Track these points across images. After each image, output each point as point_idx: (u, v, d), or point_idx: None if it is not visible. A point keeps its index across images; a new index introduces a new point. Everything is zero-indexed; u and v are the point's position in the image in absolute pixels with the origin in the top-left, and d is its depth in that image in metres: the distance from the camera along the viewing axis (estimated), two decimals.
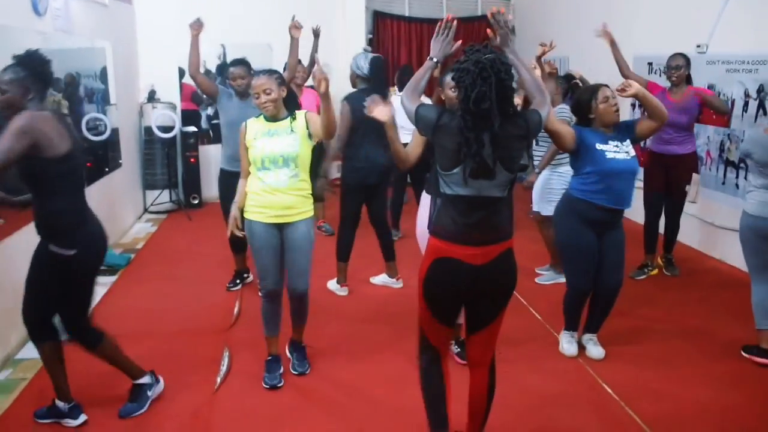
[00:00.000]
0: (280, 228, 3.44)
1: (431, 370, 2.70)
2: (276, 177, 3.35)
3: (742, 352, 3.81)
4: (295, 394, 3.50)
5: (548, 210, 4.75)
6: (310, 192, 3.50)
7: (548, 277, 5.11)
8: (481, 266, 2.47)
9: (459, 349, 3.78)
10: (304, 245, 3.47)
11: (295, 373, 3.68)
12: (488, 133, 2.36)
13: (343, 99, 4.58)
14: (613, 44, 5.11)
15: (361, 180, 4.64)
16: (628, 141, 3.62)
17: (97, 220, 3.12)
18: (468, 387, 2.76)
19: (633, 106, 6.79)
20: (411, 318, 3.09)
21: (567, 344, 3.90)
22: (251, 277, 5.05)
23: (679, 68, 4.85)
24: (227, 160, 4.65)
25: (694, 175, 4.96)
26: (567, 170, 4.31)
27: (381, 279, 5.07)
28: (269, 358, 3.67)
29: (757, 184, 3.67)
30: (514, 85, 2.44)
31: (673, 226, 5.18)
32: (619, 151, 3.55)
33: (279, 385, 3.55)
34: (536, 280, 5.10)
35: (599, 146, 3.53)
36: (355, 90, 4.67)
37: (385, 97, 4.13)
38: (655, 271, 5.24)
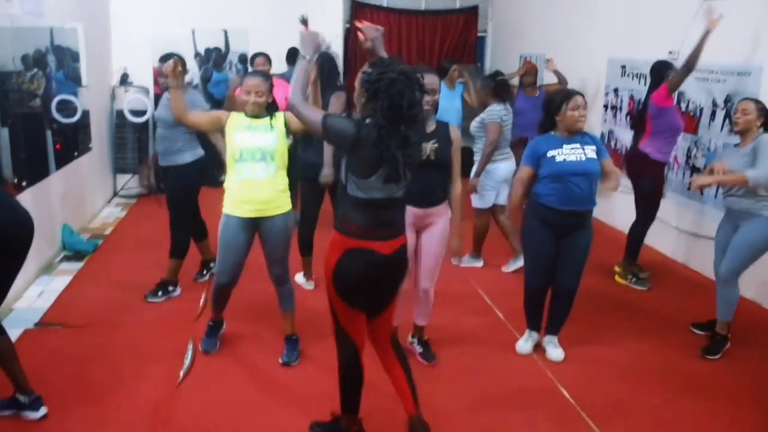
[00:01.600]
0: (258, 223, 3.55)
1: (351, 365, 2.85)
2: (252, 169, 3.47)
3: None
4: (259, 386, 3.54)
5: (476, 202, 5.36)
6: (287, 187, 3.59)
7: (466, 261, 5.50)
8: (389, 255, 2.69)
9: (422, 350, 3.85)
10: (281, 238, 3.61)
11: (282, 362, 3.75)
12: (400, 140, 2.53)
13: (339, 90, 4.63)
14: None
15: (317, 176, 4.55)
16: (594, 147, 3.68)
17: (14, 205, 3.06)
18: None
19: (614, 109, 6.85)
20: None
21: (523, 342, 3.98)
22: None
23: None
24: None
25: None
26: (494, 167, 5.20)
27: None
28: (210, 323, 3.91)
29: None
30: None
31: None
32: (573, 153, 3.61)
33: (212, 350, 3.84)
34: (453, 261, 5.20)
35: (550, 153, 3.61)
36: None
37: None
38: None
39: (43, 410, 3.15)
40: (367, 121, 2.58)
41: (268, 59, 5.82)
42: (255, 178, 3.46)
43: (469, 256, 5.53)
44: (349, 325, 2.79)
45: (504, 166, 5.30)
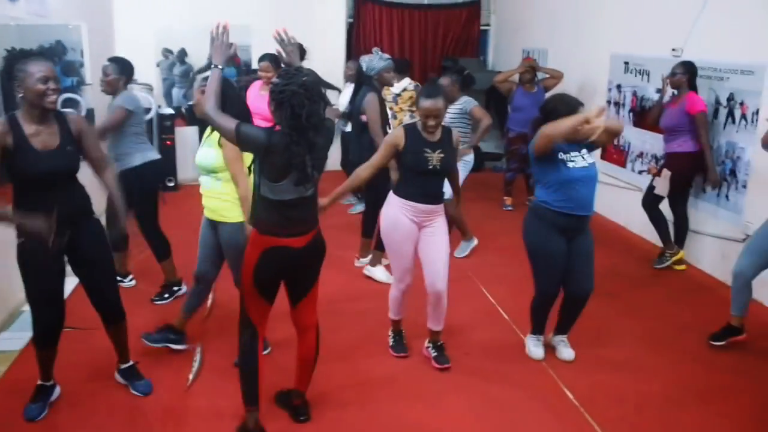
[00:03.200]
0: (214, 225, 3.65)
1: (250, 346, 3.03)
2: (203, 181, 3.61)
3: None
4: (270, 388, 3.56)
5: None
6: (236, 198, 3.50)
7: (464, 249, 5.68)
8: (302, 248, 2.92)
9: (436, 353, 3.89)
10: (227, 246, 3.62)
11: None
12: (307, 146, 2.75)
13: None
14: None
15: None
16: (586, 150, 3.71)
17: None
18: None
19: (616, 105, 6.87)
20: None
21: (534, 347, 4.00)
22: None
23: (674, 75, 5.24)
24: None
25: (665, 170, 5.27)
26: (470, 158, 5.78)
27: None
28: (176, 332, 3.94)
29: None
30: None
31: (676, 221, 5.46)
32: (578, 159, 3.64)
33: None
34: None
35: (561, 155, 3.62)
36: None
37: None
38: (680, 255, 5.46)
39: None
40: (277, 128, 2.78)
41: (274, 63, 5.47)
42: (203, 188, 3.61)
43: (464, 243, 5.72)
44: (254, 312, 3.02)
45: (468, 158, 5.75)
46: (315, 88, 2.76)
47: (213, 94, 2.87)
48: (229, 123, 2.79)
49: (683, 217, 5.42)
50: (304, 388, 3.30)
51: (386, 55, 5.10)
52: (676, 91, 5.34)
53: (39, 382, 3.35)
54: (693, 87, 5.20)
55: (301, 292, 3.11)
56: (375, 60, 4.98)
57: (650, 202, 5.45)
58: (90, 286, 3.34)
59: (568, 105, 3.66)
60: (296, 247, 2.90)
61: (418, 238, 3.72)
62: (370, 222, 5.15)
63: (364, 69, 5.00)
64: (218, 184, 3.53)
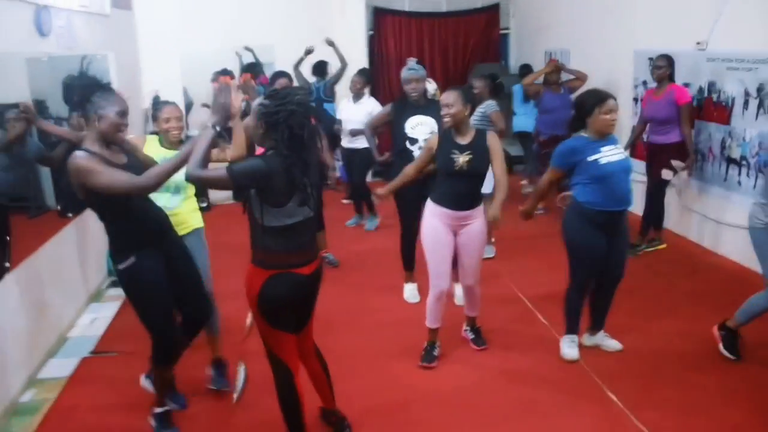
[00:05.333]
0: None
1: (287, 387, 2.97)
2: (172, 202, 3.60)
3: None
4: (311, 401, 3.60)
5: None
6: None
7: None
8: (310, 275, 2.88)
9: (473, 336, 4.14)
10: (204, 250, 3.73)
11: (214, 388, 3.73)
12: (303, 166, 2.70)
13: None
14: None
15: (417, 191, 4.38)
16: (612, 145, 3.71)
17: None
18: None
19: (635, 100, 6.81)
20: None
21: (568, 348, 3.98)
22: None
23: (660, 68, 5.53)
24: None
25: (675, 162, 5.47)
26: None
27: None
28: None
29: None
30: None
31: (651, 209, 5.71)
32: (613, 153, 3.65)
33: None
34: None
35: (591, 157, 3.62)
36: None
37: None
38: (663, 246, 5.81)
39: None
40: (269, 152, 2.71)
41: (290, 80, 5.56)
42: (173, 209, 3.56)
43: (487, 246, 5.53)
44: (277, 347, 2.92)
45: None
46: (308, 105, 2.75)
47: (201, 156, 2.66)
48: (219, 172, 2.66)
49: (662, 204, 5.73)
50: (331, 404, 3.30)
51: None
52: (655, 84, 5.66)
53: (158, 410, 3.35)
54: (672, 79, 5.53)
55: (304, 321, 3.06)
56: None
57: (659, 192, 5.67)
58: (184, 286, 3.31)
59: (597, 96, 3.68)
60: (305, 274, 2.86)
61: (455, 241, 3.83)
62: (407, 254, 5.02)
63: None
64: (178, 199, 3.59)
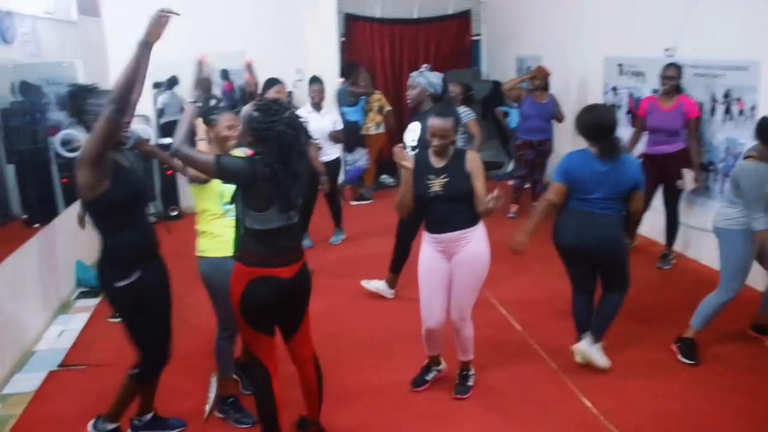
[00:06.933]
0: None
1: (265, 387, 2.98)
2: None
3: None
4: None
5: None
6: (203, 230, 3.46)
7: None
8: (291, 278, 2.88)
9: (457, 380, 3.78)
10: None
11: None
12: (292, 175, 2.73)
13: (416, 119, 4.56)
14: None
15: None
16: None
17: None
18: None
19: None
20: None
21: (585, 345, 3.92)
22: None
23: (672, 79, 5.28)
24: None
25: (684, 170, 5.35)
26: None
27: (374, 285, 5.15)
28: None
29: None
30: None
31: (671, 220, 5.56)
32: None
33: None
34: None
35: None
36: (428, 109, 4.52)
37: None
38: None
39: None
40: (258, 157, 2.74)
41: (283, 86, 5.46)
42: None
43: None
44: (257, 348, 2.97)
45: None
46: (298, 122, 2.77)
47: (186, 130, 2.76)
48: (207, 156, 2.74)
49: (676, 214, 5.55)
50: (315, 417, 3.28)
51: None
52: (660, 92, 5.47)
53: (110, 426, 3.30)
54: (680, 89, 5.35)
55: (293, 325, 3.06)
56: (433, 77, 4.68)
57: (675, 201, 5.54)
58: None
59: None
60: (285, 278, 2.86)
61: (450, 270, 3.52)
62: (399, 257, 5.03)
63: (433, 91, 4.62)
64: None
